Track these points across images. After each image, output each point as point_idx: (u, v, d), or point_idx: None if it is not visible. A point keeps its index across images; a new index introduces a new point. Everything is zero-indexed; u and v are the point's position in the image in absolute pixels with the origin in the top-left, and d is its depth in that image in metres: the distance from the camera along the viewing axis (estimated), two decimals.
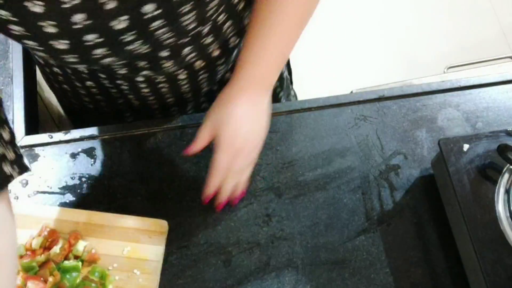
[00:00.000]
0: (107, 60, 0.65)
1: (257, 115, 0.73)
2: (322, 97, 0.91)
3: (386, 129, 0.89)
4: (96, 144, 0.86)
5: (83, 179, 0.83)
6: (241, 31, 0.82)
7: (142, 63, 0.72)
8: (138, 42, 0.63)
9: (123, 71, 0.74)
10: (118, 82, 0.82)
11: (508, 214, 0.72)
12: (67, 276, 0.73)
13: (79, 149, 0.85)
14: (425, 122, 0.90)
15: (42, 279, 0.72)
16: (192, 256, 0.78)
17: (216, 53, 0.81)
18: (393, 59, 2.17)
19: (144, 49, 0.66)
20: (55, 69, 0.85)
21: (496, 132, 0.79)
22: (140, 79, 0.80)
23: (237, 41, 0.84)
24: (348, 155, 0.87)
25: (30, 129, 0.88)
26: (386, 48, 2.20)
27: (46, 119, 1.20)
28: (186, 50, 0.73)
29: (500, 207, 0.73)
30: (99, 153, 0.85)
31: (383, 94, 0.92)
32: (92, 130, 0.87)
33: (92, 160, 0.84)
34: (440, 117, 0.90)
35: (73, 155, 0.85)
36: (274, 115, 0.89)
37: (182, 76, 0.82)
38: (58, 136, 0.86)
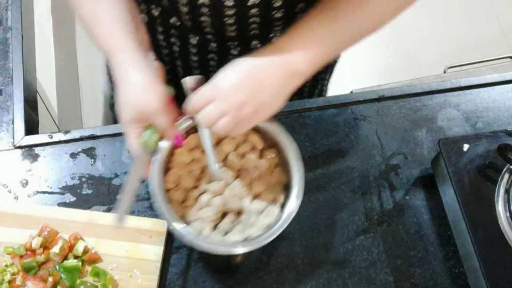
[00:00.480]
0: None
1: (270, 80, 0.63)
2: (322, 97, 0.91)
3: (386, 129, 0.89)
4: (96, 144, 0.86)
5: (83, 179, 0.83)
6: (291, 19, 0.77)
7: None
8: None
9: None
10: (172, 40, 0.82)
11: (508, 214, 0.72)
12: (67, 276, 0.73)
13: (79, 149, 0.85)
14: (425, 122, 0.90)
15: (42, 279, 0.72)
16: (192, 256, 0.78)
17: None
18: (393, 59, 2.16)
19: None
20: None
21: (496, 132, 0.79)
22: (193, 41, 0.79)
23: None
24: (348, 155, 0.87)
25: (30, 129, 0.88)
26: (386, 48, 2.19)
27: (46, 119, 1.19)
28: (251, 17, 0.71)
29: (500, 207, 0.73)
30: (99, 153, 0.85)
31: (383, 94, 0.92)
32: (92, 130, 0.86)
33: (92, 160, 0.84)
34: (440, 117, 0.90)
35: (73, 155, 0.85)
36: (275, 115, 0.88)
37: (234, 52, 0.80)
38: (58, 136, 0.86)
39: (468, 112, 0.91)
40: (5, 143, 0.85)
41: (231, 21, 0.72)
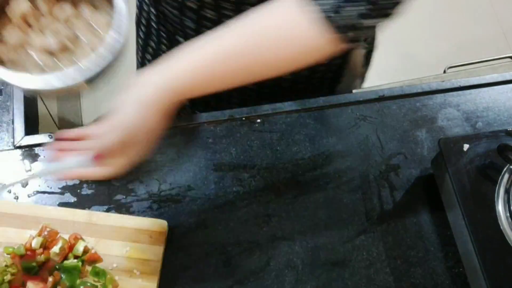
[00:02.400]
0: None
1: (143, 111, 0.61)
2: (322, 97, 0.91)
3: (386, 129, 0.89)
4: None
5: (83, 179, 0.83)
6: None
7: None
8: None
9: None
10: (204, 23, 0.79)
11: (508, 214, 0.72)
12: (67, 276, 0.73)
13: None
14: (425, 122, 0.90)
15: (42, 279, 0.72)
16: (192, 256, 0.78)
17: None
18: (393, 59, 2.16)
19: None
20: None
21: (496, 132, 0.79)
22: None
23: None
24: (348, 155, 0.87)
25: (30, 129, 0.88)
26: (386, 48, 2.19)
27: (46, 119, 1.20)
28: None
29: (500, 207, 0.73)
30: None
31: (383, 94, 0.92)
32: None
33: None
34: (440, 117, 0.90)
35: None
36: (274, 115, 0.89)
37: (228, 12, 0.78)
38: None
39: (468, 112, 0.91)
40: (5, 143, 0.85)
41: None
